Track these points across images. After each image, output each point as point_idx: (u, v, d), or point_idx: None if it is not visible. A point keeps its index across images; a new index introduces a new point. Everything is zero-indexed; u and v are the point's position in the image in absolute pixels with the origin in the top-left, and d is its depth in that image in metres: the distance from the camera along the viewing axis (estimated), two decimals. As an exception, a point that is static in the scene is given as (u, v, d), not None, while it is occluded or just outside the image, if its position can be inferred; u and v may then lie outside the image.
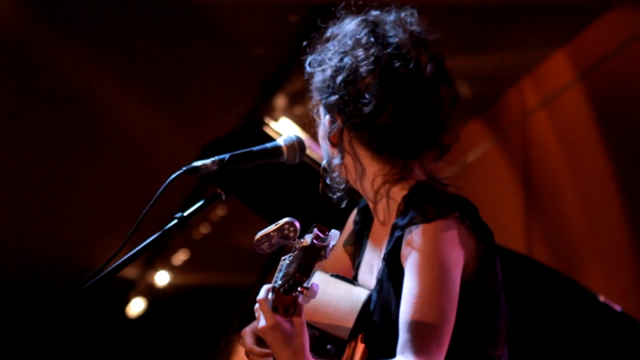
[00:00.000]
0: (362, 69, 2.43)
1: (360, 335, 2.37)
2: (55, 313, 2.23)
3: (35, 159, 7.07)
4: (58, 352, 8.66)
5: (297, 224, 2.13)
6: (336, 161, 2.49)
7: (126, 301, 9.37)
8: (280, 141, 2.46)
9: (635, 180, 5.96)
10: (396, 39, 2.45)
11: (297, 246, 2.08)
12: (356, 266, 2.62)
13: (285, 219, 2.14)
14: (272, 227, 2.14)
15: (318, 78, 2.50)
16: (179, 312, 9.42)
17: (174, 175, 2.30)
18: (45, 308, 2.23)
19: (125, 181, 7.34)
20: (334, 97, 2.46)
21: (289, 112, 6.50)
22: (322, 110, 2.54)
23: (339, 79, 2.45)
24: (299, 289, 2.02)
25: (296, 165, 2.52)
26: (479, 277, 2.36)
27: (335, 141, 2.49)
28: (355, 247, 2.68)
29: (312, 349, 2.17)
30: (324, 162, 2.53)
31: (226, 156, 2.36)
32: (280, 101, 6.52)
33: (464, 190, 2.48)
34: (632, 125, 5.92)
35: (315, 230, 2.07)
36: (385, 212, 2.49)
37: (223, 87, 6.75)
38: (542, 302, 4.12)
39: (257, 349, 2.60)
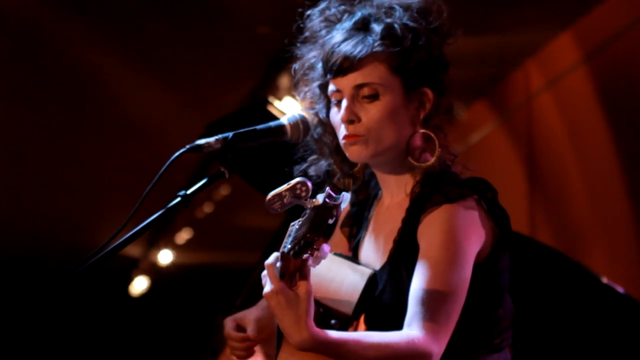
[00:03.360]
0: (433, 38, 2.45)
1: (362, 315, 2.37)
2: (58, 291, 2.23)
3: (40, 138, 7.07)
4: (61, 329, 8.69)
5: (309, 184, 2.10)
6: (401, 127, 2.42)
7: (129, 279, 9.39)
8: (284, 120, 2.46)
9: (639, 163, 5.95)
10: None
11: (309, 206, 2.05)
12: (355, 244, 2.60)
13: (297, 179, 2.10)
14: (284, 186, 2.11)
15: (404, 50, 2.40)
16: (182, 291, 9.44)
17: (177, 154, 2.29)
18: (49, 286, 2.24)
19: (129, 159, 7.34)
20: (427, 64, 2.42)
21: (293, 92, 6.47)
22: (389, 72, 2.41)
23: (430, 54, 2.43)
24: (309, 250, 2.01)
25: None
26: (491, 259, 2.37)
27: (424, 113, 2.43)
28: (352, 228, 2.66)
29: (316, 324, 2.16)
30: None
31: (230, 134, 2.35)
32: (284, 80, 6.50)
33: (468, 172, 2.48)
34: (637, 107, 5.91)
35: (328, 190, 2.06)
36: (400, 186, 2.47)
37: (227, 66, 6.73)
38: (545, 283, 4.12)
39: (235, 333, 2.60)
